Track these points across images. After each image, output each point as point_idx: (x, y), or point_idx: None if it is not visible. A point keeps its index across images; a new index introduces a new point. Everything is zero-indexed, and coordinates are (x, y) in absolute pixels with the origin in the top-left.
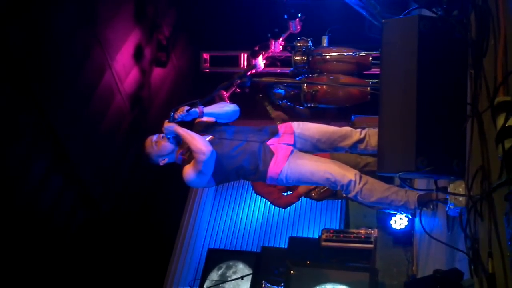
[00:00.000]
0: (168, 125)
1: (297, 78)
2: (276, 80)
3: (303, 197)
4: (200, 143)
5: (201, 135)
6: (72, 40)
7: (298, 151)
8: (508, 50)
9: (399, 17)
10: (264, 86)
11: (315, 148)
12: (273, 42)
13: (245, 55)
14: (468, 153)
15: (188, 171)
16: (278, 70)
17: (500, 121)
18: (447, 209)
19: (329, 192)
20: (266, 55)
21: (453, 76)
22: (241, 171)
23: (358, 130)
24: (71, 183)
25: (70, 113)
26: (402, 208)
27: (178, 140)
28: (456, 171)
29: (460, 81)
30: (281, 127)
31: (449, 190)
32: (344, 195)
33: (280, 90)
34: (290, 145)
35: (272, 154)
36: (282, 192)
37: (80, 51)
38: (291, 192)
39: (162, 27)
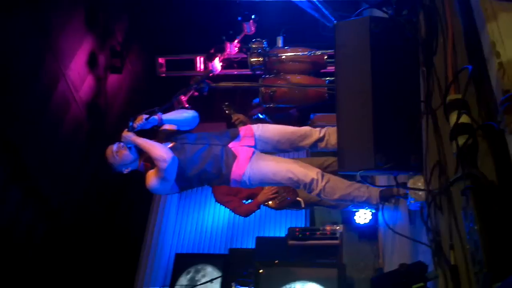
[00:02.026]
0: (126, 135)
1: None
2: (233, 85)
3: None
4: (160, 150)
5: (163, 142)
6: (23, 49)
7: (259, 152)
8: (457, 48)
9: (350, 18)
10: (222, 90)
11: (276, 149)
12: (228, 44)
13: (201, 59)
14: (424, 148)
15: (151, 179)
16: (235, 72)
17: (453, 118)
18: (408, 203)
19: (287, 202)
20: (222, 57)
21: (406, 74)
22: (204, 175)
23: (318, 129)
24: (30, 195)
25: (26, 124)
26: (365, 203)
27: (139, 149)
28: (413, 167)
29: (413, 79)
30: (242, 130)
31: (408, 185)
32: (308, 200)
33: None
34: (251, 147)
35: (235, 157)
36: (242, 200)
37: (32, 60)
38: (251, 201)
39: (115, 33)
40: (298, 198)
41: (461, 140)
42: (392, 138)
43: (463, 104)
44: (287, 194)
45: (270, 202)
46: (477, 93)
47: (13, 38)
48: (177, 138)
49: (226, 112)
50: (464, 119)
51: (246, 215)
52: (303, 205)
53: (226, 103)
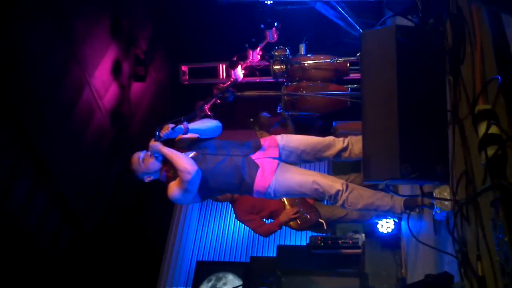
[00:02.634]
0: (153, 144)
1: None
2: (258, 94)
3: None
4: (185, 162)
5: (184, 151)
6: (49, 57)
7: (284, 163)
8: (485, 57)
9: (376, 27)
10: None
11: (300, 159)
12: (251, 52)
13: (224, 66)
14: (451, 158)
15: (173, 189)
16: (258, 79)
17: (482, 128)
18: (433, 213)
19: (310, 223)
20: (244, 65)
21: (432, 83)
22: (225, 186)
23: (341, 139)
24: (55, 201)
25: (51, 130)
26: (388, 212)
27: (164, 158)
28: (440, 176)
29: (439, 88)
30: (265, 140)
31: (434, 195)
32: (329, 217)
33: (265, 114)
34: (275, 158)
35: (257, 167)
36: (263, 219)
37: (57, 68)
38: (272, 220)
39: (139, 40)
40: (320, 220)
41: (491, 151)
42: (418, 147)
43: (492, 115)
44: (309, 214)
45: (291, 223)
46: (506, 104)
47: (38, 46)
48: (198, 148)
49: (254, 128)
50: (494, 129)
51: (267, 235)
52: (325, 227)
53: (251, 119)
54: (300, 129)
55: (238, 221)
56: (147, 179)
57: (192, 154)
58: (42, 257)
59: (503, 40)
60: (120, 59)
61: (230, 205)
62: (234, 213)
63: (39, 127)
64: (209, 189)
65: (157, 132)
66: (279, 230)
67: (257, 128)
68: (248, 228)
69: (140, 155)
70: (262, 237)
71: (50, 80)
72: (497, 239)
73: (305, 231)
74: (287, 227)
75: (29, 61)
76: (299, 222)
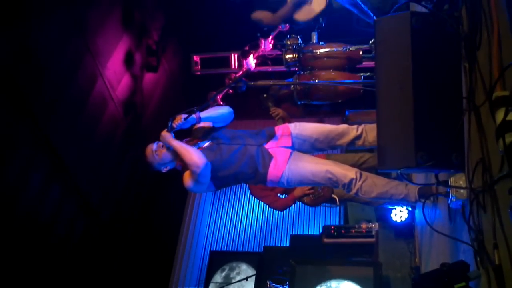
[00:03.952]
0: (164, 135)
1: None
2: (271, 83)
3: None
4: (193, 156)
5: (199, 141)
6: (62, 49)
7: (297, 152)
8: (502, 43)
9: (390, 14)
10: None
11: (313, 147)
12: (263, 41)
13: (236, 56)
14: (467, 146)
15: (187, 179)
16: (270, 69)
17: (500, 115)
18: (448, 201)
19: (323, 198)
20: (256, 54)
21: (448, 70)
22: (240, 175)
23: (355, 126)
24: (69, 192)
25: (64, 122)
26: (402, 201)
27: None
28: (455, 164)
29: (455, 75)
30: (278, 129)
31: (450, 183)
32: (342, 196)
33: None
34: (288, 147)
35: (271, 157)
36: (278, 194)
37: (70, 60)
38: (286, 195)
39: (151, 31)
40: (333, 196)
41: (509, 138)
42: (434, 135)
43: (510, 101)
44: (322, 191)
45: (305, 198)
46: None
47: (52, 37)
48: (213, 137)
49: (268, 104)
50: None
51: (283, 209)
52: (338, 202)
53: (265, 95)
54: (307, 111)
55: (254, 203)
56: (164, 169)
57: (206, 144)
58: (58, 247)
59: None
60: (133, 50)
61: (243, 193)
62: (250, 190)
63: (53, 119)
64: (223, 178)
65: (170, 123)
66: (292, 218)
67: (271, 104)
68: (261, 217)
69: (153, 147)
70: (278, 211)
71: (63, 71)
72: None
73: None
74: (301, 202)
75: (42, 53)
76: (312, 197)
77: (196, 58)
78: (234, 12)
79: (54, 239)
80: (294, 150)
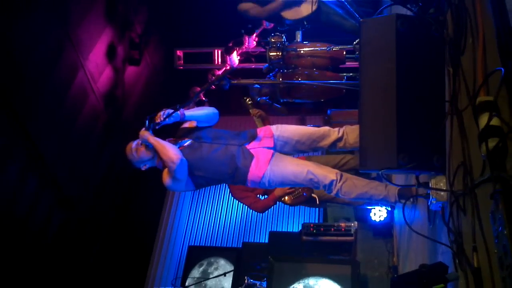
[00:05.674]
0: (142, 134)
1: (271, 74)
2: (254, 82)
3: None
4: (169, 151)
5: (181, 140)
6: (43, 40)
7: (278, 153)
8: (487, 49)
9: (376, 16)
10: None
11: (295, 149)
12: (247, 38)
13: (219, 52)
14: (448, 149)
15: (165, 177)
16: (253, 66)
17: (483, 120)
18: (428, 203)
19: (303, 198)
20: (240, 51)
21: (432, 73)
22: (219, 175)
23: (336, 129)
24: (47, 184)
25: (44, 113)
26: (382, 201)
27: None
28: (436, 167)
29: (439, 78)
30: (260, 131)
31: (430, 185)
32: (322, 196)
33: (257, 86)
34: (270, 148)
35: (252, 157)
36: (258, 196)
37: (52, 51)
38: (267, 196)
39: (134, 24)
40: (313, 195)
41: (492, 143)
42: (416, 137)
43: (494, 107)
44: (303, 190)
45: (285, 198)
46: (508, 96)
47: (33, 28)
48: (195, 137)
49: (248, 106)
50: (495, 121)
51: (263, 210)
52: (318, 202)
53: (246, 98)
54: (289, 109)
55: (234, 199)
56: (143, 167)
57: (188, 142)
58: (34, 240)
59: (507, 31)
60: (115, 43)
61: (223, 189)
62: (230, 191)
63: (32, 110)
64: (202, 177)
65: (147, 121)
66: (272, 215)
67: (251, 106)
68: (240, 213)
69: (132, 144)
70: (258, 213)
71: (44, 62)
72: (496, 232)
73: (296, 219)
74: (281, 202)
75: (23, 44)
76: (292, 197)
77: (179, 52)
78: (218, 8)
79: (29, 232)
80: (276, 151)
